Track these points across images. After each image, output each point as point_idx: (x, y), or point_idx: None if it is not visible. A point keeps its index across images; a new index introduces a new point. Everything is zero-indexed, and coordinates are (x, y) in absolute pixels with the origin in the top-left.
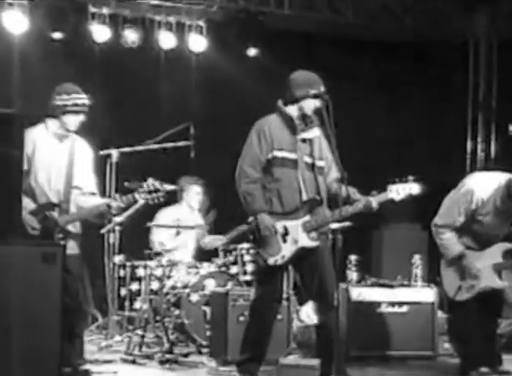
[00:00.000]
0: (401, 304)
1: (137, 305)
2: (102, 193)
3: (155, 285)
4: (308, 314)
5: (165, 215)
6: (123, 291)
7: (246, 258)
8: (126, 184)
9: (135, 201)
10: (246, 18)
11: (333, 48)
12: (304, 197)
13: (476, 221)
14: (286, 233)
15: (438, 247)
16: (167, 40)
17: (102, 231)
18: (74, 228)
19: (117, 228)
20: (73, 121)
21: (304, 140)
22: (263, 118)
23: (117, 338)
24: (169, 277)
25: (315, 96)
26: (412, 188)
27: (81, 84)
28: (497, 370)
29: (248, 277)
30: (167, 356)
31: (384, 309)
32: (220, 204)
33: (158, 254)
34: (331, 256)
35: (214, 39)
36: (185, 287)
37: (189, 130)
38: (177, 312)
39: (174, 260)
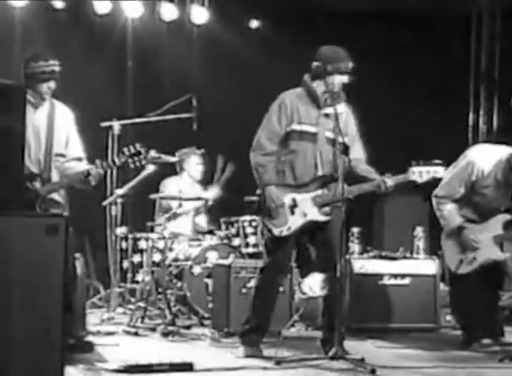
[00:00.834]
0: (403, 276)
1: (139, 277)
2: None
3: (157, 257)
4: (310, 286)
5: (168, 187)
6: (125, 263)
7: (249, 230)
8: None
9: (115, 165)
10: None
11: (335, 19)
12: (320, 172)
13: (477, 193)
14: (294, 206)
15: (438, 218)
16: (168, 12)
17: (104, 203)
18: (59, 197)
19: (119, 200)
20: (44, 88)
21: (327, 115)
22: (287, 91)
23: (119, 309)
24: (171, 249)
25: (344, 72)
26: (437, 171)
27: (83, 55)
28: (499, 341)
29: (250, 249)
30: (170, 328)
31: (386, 281)
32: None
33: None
34: (343, 228)
35: (217, 11)
36: (187, 259)
37: (191, 102)
38: (179, 284)
39: (176, 232)
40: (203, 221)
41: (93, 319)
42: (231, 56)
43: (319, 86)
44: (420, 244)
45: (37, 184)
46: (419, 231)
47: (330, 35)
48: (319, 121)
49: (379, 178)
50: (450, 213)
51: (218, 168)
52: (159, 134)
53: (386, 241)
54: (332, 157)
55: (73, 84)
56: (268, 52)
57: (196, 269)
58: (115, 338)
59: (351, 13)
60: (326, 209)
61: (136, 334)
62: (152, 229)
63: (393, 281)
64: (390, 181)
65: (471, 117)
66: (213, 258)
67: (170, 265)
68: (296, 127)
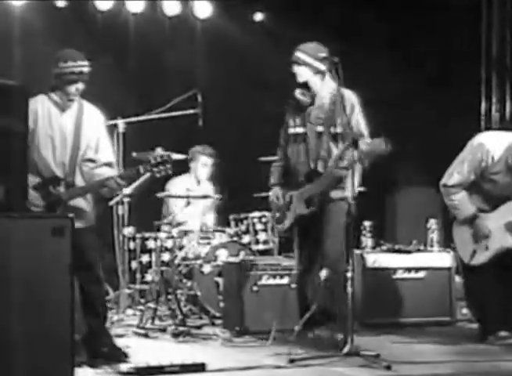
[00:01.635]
0: (417, 269)
1: (148, 277)
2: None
3: (166, 257)
4: None
5: (176, 186)
6: (133, 264)
7: (258, 226)
8: (134, 155)
9: (139, 175)
10: None
11: (341, 9)
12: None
13: (487, 180)
14: (290, 202)
15: (449, 207)
16: (171, 6)
17: (111, 203)
18: (85, 203)
19: (126, 199)
20: (73, 89)
21: (314, 110)
22: None
23: (129, 311)
24: (180, 248)
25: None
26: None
27: (86, 53)
28: None
29: (261, 246)
30: (181, 328)
31: (400, 274)
32: (229, 172)
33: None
34: (339, 221)
35: (220, 4)
36: (196, 258)
37: (197, 98)
38: (189, 283)
39: (184, 230)
40: (211, 220)
41: None
42: (235, 49)
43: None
44: (434, 236)
45: (61, 188)
46: (432, 223)
47: (337, 25)
48: (305, 120)
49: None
50: (462, 202)
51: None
52: (164, 131)
53: (399, 234)
54: (320, 150)
55: None
56: (272, 45)
57: (206, 268)
58: (125, 340)
59: (359, 2)
60: (310, 202)
61: (146, 335)
62: (158, 229)
63: (407, 275)
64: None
65: (483, 104)
66: (223, 256)
67: (179, 265)
68: (290, 131)
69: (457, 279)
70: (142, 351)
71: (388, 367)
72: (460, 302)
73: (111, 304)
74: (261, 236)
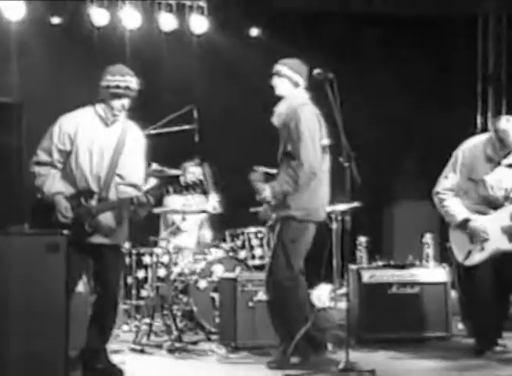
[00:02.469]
0: (413, 285)
1: (144, 293)
2: None
3: (162, 272)
4: (319, 297)
5: (173, 201)
6: (129, 279)
7: (254, 242)
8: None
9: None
10: None
11: (339, 24)
12: None
13: (476, 181)
14: None
15: (443, 216)
16: (167, 22)
17: None
18: (113, 223)
19: None
20: (118, 104)
21: None
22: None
23: (125, 327)
24: (176, 264)
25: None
26: None
27: (82, 69)
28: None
29: (257, 261)
30: (176, 344)
31: (395, 290)
32: (226, 186)
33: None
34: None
35: (216, 20)
36: (192, 273)
37: (193, 113)
38: (185, 299)
39: (180, 246)
40: (207, 235)
41: None
42: (232, 65)
43: None
44: (430, 251)
45: (93, 202)
46: (428, 238)
47: (334, 40)
48: None
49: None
50: (454, 207)
51: (207, 177)
52: (160, 147)
53: (395, 249)
54: None
55: (73, 98)
56: (268, 60)
57: (202, 284)
58: (121, 357)
59: (353, 17)
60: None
61: (142, 351)
62: (155, 244)
63: (403, 290)
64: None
65: (479, 119)
66: (219, 271)
67: (175, 280)
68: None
69: (453, 294)
70: (137, 367)
71: None
72: (456, 317)
73: None
74: (257, 252)
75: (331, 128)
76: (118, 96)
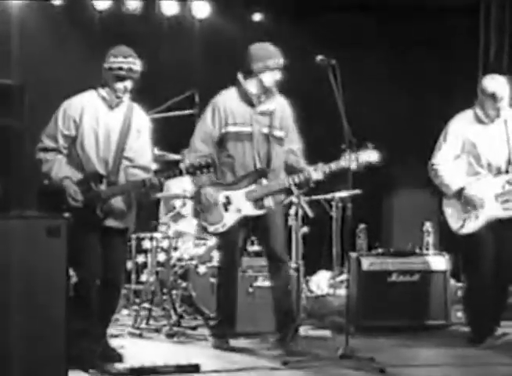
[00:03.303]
0: (412, 273)
1: (143, 277)
2: None
3: (162, 257)
4: (317, 284)
5: (175, 186)
6: (129, 264)
7: None
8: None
9: (176, 176)
10: None
11: (339, 13)
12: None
13: (470, 145)
14: (228, 203)
15: (438, 187)
16: (169, 6)
17: None
18: (124, 206)
19: None
20: (121, 86)
21: (262, 113)
22: (221, 93)
23: (124, 311)
24: (176, 249)
25: (275, 69)
26: (370, 156)
27: (83, 52)
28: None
29: (256, 247)
30: (175, 329)
31: (395, 278)
32: None
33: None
34: (282, 220)
35: (218, 4)
36: (192, 258)
37: (194, 98)
38: (184, 284)
39: (180, 231)
40: None
41: None
42: (233, 50)
43: (250, 85)
44: (430, 239)
45: (103, 186)
46: (428, 226)
47: (335, 28)
48: (252, 119)
49: (306, 169)
50: (448, 177)
51: None
52: (161, 131)
53: (395, 237)
54: (267, 153)
55: (74, 83)
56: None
57: (202, 269)
58: (120, 341)
59: (355, 6)
60: (260, 203)
61: (141, 335)
62: (156, 229)
63: (402, 278)
64: (313, 173)
65: None
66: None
67: (175, 265)
68: (231, 129)
69: (452, 282)
70: (136, 351)
71: (382, 371)
72: (456, 306)
73: None
74: None
75: (333, 114)
76: (121, 78)
